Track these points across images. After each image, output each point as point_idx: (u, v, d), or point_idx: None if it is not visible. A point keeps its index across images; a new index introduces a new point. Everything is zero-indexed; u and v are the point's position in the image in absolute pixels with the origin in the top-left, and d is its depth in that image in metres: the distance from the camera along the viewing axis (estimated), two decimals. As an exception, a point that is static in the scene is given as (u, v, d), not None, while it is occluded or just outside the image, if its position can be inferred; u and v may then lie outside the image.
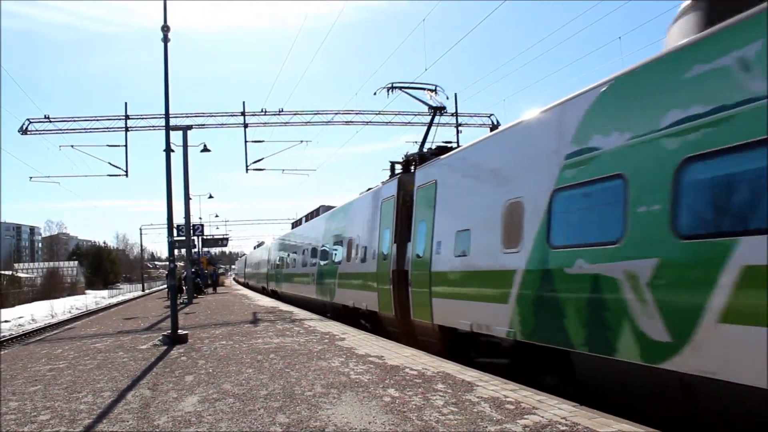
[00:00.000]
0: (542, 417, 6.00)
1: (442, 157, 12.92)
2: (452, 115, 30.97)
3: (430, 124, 16.71)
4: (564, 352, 7.60)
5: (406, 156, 15.86)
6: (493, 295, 9.44)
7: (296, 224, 36.60)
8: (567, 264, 7.53)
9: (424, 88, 17.48)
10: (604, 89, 7.32)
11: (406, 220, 14.13)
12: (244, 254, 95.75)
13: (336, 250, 20.89)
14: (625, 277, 6.47)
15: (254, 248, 70.60)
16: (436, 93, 17.44)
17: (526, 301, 8.45)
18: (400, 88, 17.28)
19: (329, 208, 25.93)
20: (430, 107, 17.30)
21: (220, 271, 71.62)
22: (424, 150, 15.33)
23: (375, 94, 17.80)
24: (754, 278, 5.00)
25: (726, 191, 5.55)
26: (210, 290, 44.61)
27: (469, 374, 8.37)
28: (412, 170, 14.54)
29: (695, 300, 5.52)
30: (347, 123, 31.03)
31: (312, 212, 31.38)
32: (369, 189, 18.31)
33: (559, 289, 7.71)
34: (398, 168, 16.44)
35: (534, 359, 8.47)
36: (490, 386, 7.53)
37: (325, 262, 22.37)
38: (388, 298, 14.41)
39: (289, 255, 33.27)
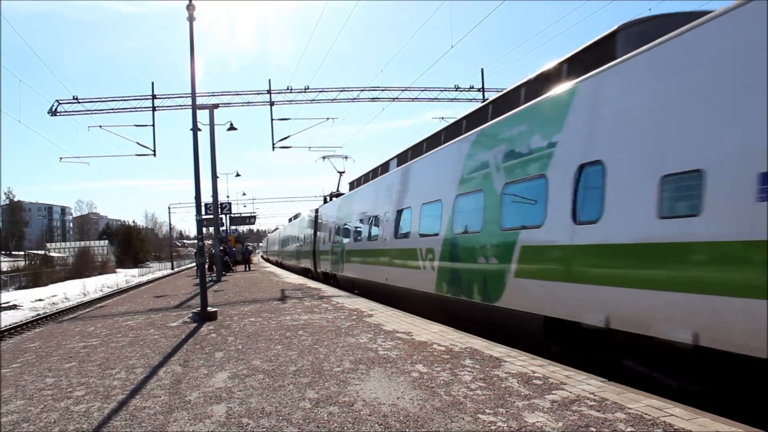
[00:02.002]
0: (570, 392, 5.98)
1: (325, 204, 30.98)
2: (479, 90, 30.68)
3: (339, 180, 33.78)
4: (334, 275, 25.40)
5: (329, 194, 32.11)
6: (327, 259, 26.85)
7: (290, 220, 56.83)
8: (331, 248, 26.52)
9: (340, 156, 34.04)
10: (339, 202, 26.86)
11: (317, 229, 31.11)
12: (273, 231, 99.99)
13: (300, 238, 39.75)
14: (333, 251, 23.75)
15: (271, 232, 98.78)
16: (346, 159, 34.07)
17: (332, 259, 25.72)
18: (328, 157, 33.89)
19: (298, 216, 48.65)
20: (338, 171, 33.94)
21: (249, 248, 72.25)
22: (339, 190, 32.00)
23: (316, 161, 40.92)
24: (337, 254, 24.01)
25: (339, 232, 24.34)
26: (241, 268, 44.21)
27: (497, 350, 8.37)
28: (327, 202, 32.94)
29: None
30: (373, 100, 30.88)
31: (295, 215, 53.16)
32: (311, 210, 37.67)
33: (330, 254, 26.47)
34: (328, 198, 32.02)
35: (336, 280, 24.92)
36: (518, 362, 7.52)
37: (298, 245, 40.63)
38: (313, 263, 31.61)
39: (286, 239, 52.86)
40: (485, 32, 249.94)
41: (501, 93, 11.99)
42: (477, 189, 11.31)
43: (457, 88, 30.75)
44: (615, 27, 8.56)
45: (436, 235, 13.14)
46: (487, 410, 5.51)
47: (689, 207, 6.25)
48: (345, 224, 23.74)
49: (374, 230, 19.00)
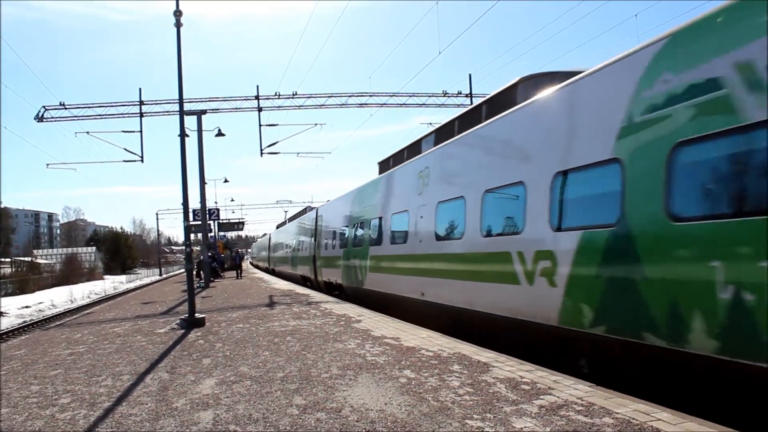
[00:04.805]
0: (558, 397, 5.99)
1: (275, 230, 58.65)
2: (466, 96, 30.79)
3: (285, 216, 63.21)
4: (274, 269, 50.25)
5: (278, 223, 61.28)
6: (274, 261, 50.48)
7: (262, 236, 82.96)
8: (276, 255, 50.29)
9: (289, 202, 63.30)
10: (276, 231, 56.47)
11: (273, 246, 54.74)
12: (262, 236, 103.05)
13: (265, 248, 62.86)
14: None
15: (254, 242, 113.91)
16: (291, 202, 62.65)
17: (276, 262, 49.28)
18: (288, 201, 65.85)
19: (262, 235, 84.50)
20: (284, 210, 64.89)
21: None
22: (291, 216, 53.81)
23: (284, 211, 69.59)
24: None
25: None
26: (231, 274, 41.84)
27: (485, 355, 8.38)
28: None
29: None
30: (361, 105, 30.93)
31: (263, 234, 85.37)
32: (271, 233, 65.20)
33: (276, 259, 49.82)
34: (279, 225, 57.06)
35: (276, 272, 46.65)
36: (506, 367, 7.54)
37: (264, 253, 62.68)
38: (268, 264, 57.06)
39: (260, 249, 76.31)
40: (473, 38, 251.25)
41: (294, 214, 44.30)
42: (308, 238, 29.86)
43: (445, 94, 30.84)
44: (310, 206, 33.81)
45: (298, 251, 33.25)
46: (474, 416, 5.51)
47: None
48: (278, 243, 47.82)
49: (284, 247, 42.14)
